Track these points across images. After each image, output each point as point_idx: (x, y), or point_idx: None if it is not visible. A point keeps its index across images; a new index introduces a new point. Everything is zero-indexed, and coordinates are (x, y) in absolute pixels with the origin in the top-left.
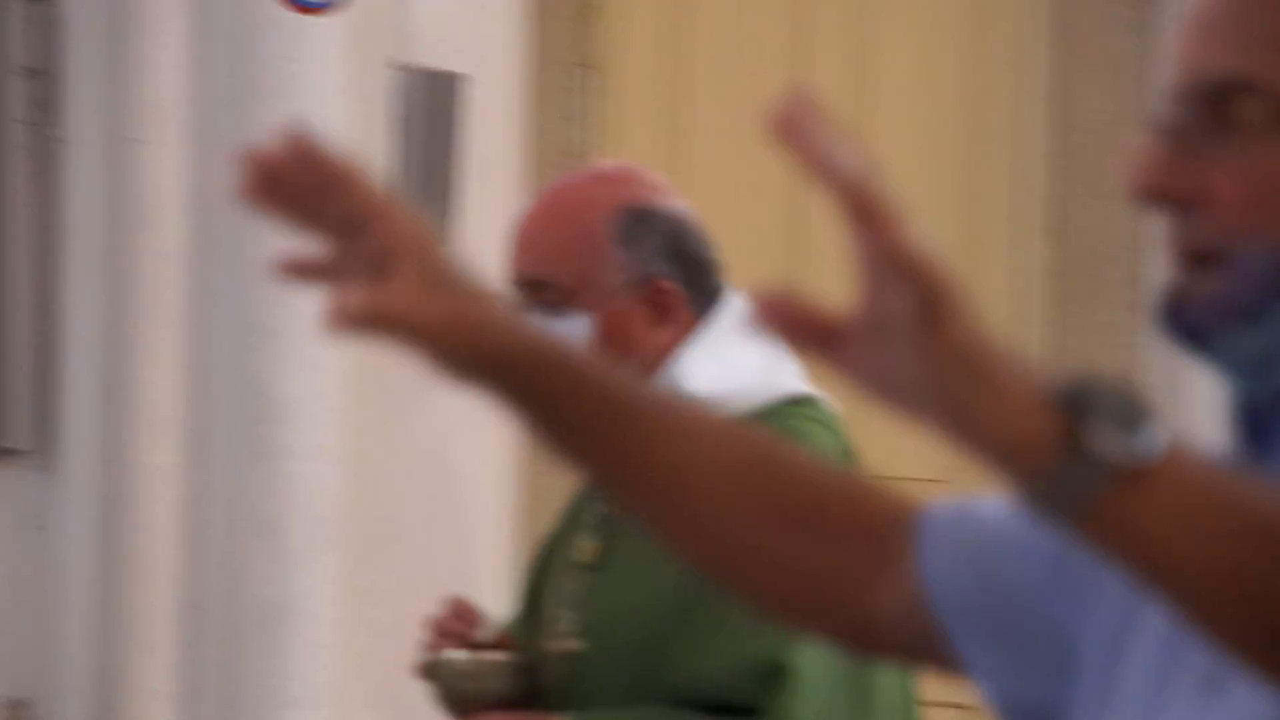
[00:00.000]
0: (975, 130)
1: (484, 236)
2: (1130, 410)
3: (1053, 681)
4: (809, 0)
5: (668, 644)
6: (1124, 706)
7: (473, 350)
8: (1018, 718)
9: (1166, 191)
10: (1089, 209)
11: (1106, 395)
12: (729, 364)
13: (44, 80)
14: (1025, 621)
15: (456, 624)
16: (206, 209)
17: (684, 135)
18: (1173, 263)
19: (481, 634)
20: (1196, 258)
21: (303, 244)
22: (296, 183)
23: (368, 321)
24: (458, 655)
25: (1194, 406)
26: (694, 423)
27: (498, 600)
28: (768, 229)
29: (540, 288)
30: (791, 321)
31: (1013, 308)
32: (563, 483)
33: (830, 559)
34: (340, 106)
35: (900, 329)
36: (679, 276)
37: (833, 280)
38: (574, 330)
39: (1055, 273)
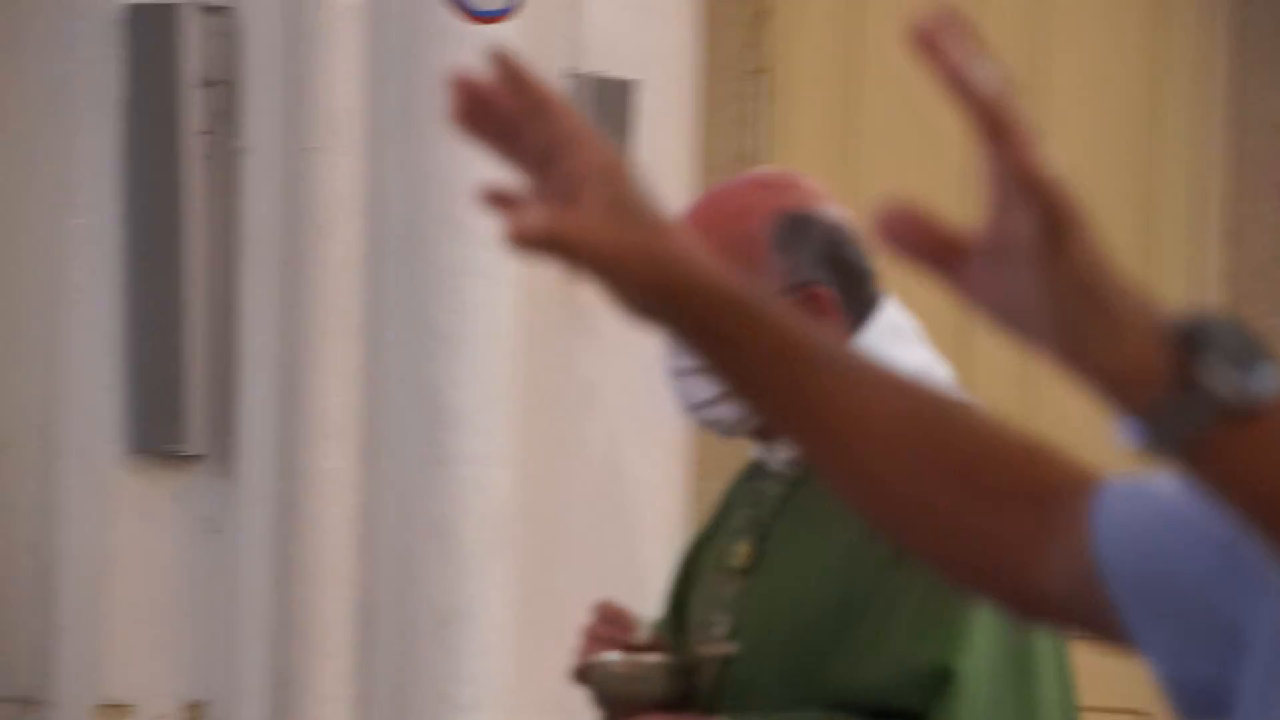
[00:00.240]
0: (1152, 133)
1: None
2: (1246, 349)
3: (1222, 664)
4: (981, 1)
5: (826, 648)
6: None
7: (650, 280)
8: (1186, 696)
9: None
10: (1266, 212)
11: (1223, 333)
12: None
13: (223, 91)
14: (1196, 604)
15: (610, 628)
16: (382, 217)
17: (854, 141)
18: None
19: (635, 637)
20: None
21: (506, 176)
22: (501, 105)
23: (545, 243)
24: (613, 658)
25: None
26: (871, 373)
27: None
28: None
29: None
30: (912, 238)
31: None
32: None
33: (999, 521)
34: None
35: (1022, 251)
36: (835, 283)
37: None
38: None
39: (1231, 276)
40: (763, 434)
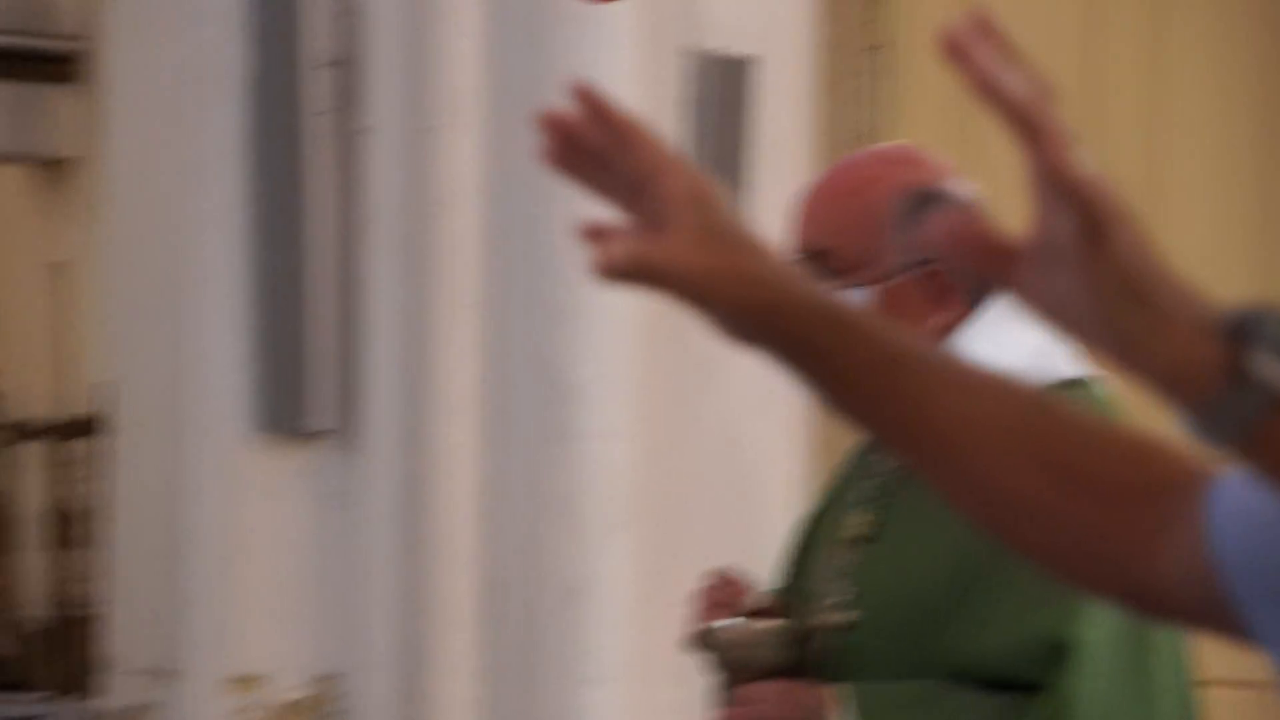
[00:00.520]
0: (1274, 139)
1: (774, 222)
2: None
3: None
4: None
5: (944, 619)
6: None
7: (741, 302)
8: None
9: None
10: None
11: (1271, 324)
12: (1005, 347)
13: (346, 71)
14: None
15: (724, 593)
16: (503, 194)
17: (974, 116)
18: None
19: (750, 602)
20: None
21: (602, 210)
22: (589, 140)
23: (632, 271)
24: (729, 623)
25: None
26: (971, 378)
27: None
28: None
29: (821, 259)
30: (973, 246)
31: None
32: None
33: (1110, 517)
34: (632, 93)
35: (1066, 252)
36: None
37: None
38: (855, 302)
39: None
40: None
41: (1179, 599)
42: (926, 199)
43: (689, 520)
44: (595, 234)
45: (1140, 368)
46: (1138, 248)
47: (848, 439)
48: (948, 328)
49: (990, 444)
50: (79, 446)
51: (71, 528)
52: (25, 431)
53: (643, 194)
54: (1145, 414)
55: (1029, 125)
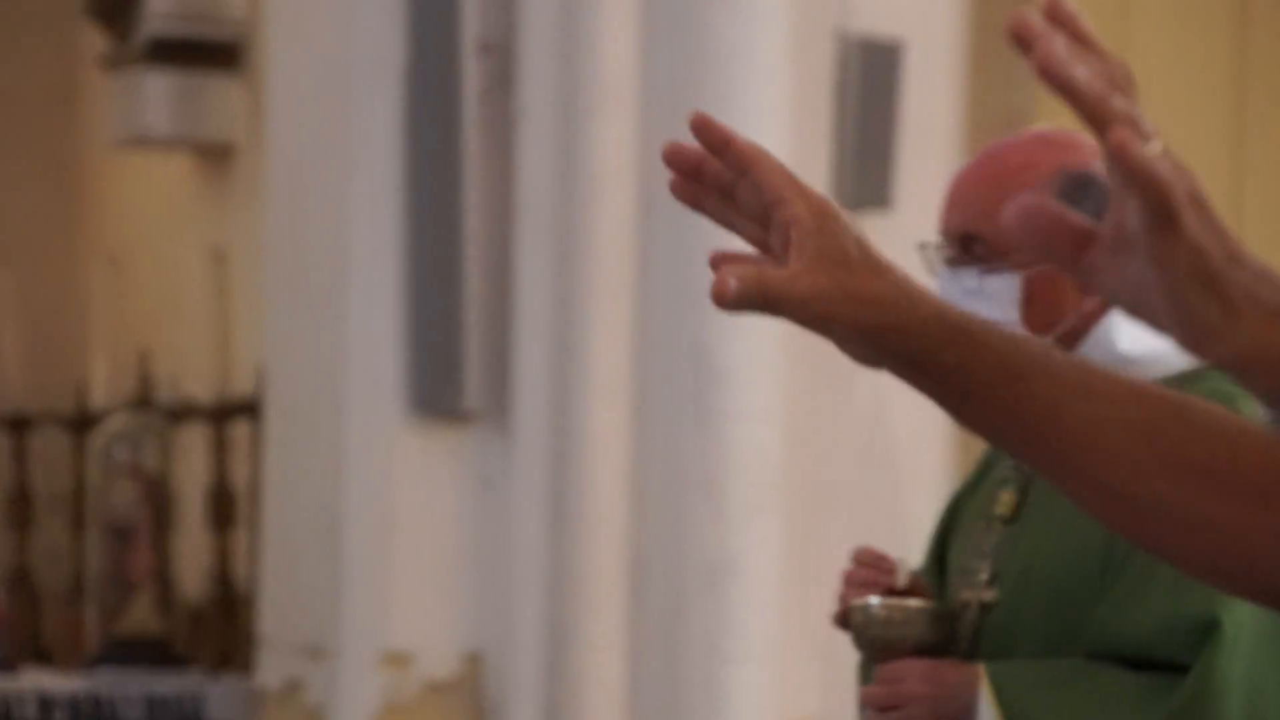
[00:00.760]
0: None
1: (924, 205)
2: None
3: None
4: None
5: (1089, 598)
6: None
7: (861, 322)
8: None
9: None
10: None
11: None
12: (1149, 331)
13: (501, 56)
14: None
15: (869, 572)
16: (654, 178)
17: None
18: None
19: (895, 580)
20: None
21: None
22: (713, 173)
23: (751, 298)
24: (875, 601)
25: None
26: (1098, 383)
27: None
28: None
29: (972, 243)
30: (1045, 234)
31: None
32: None
33: (1247, 518)
34: (784, 77)
35: (1138, 238)
36: None
37: (1269, 248)
38: (1003, 288)
39: None
40: None
41: None
42: (1081, 183)
43: (834, 502)
44: (719, 261)
45: (1214, 354)
46: (1209, 233)
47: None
48: (1099, 312)
49: (1124, 449)
50: (239, 428)
51: (230, 508)
52: (186, 413)
53: (768, 222)
54: None
55: (1098, 115)
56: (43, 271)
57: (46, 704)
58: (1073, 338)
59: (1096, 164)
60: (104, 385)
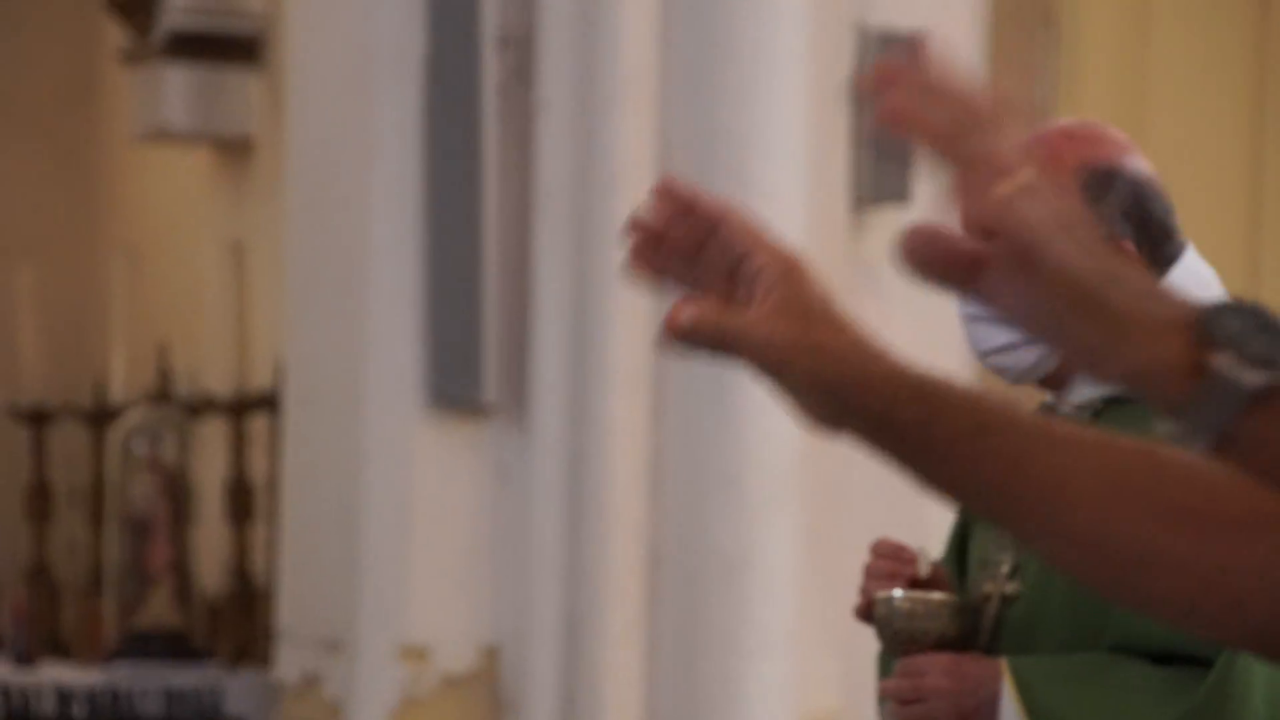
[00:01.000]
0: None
1: (942, 200)
2: (1261, 331)
3: None
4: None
5: None
6: None
7: (818, 374)
8: None
9: None
10: None
11: (1233, 321)
12: None
13: (520, 49)
14: None
15: (890, 563)
16: (674, 171)
17: (1143, 93)
18: None
19: (918, 569)
20: None
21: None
22: (677, 237)
23: (705, 335)
24: (898, 594)
25: None
26: (1064, 434)
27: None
28: (1227, 188)
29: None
30: (935, 257)
31: None
32: None
33: (1231, 552)
34: (802, 70)
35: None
36: (1139, 239)
37: None
38: None
39: None
40: (1053, 381)
41: None
42: (1106, 177)
43: (852, 495)
44: (679, 302)
45: (1106, 374)
46: (1085, 256)
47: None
48: None
49: (1094, 496)
50: (257, 422)
51: (249, 501)
52: (205, 407)
53: (736, 278)
54: None
55: (950, 158)
56: (62, 265)
57: (65, 697)
58: None
59: (1122, 158)
60: (123, 379)
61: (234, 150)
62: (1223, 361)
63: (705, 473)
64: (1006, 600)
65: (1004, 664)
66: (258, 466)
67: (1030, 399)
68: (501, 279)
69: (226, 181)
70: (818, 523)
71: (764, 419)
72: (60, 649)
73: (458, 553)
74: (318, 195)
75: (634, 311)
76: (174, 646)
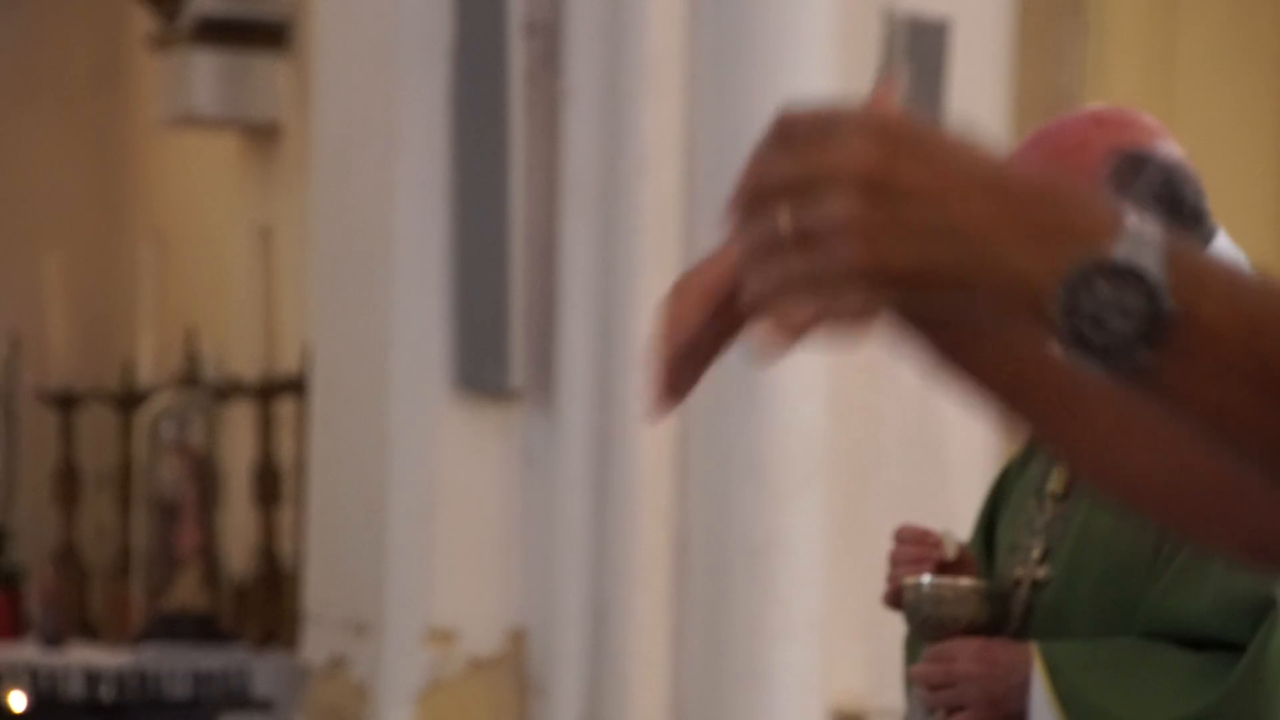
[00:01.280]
0: None
1: None
2: (1131, 289)
3: None
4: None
5: (1142, 576)
6: None
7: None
8: None
9: None
10: None
11: (1098, 288)
12: None
13: (547, 36)
14: None
15: (915, 549)
16: (698, 158)
17: (1171, 79)
18: None
19: (944, 552)
20: None
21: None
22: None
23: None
24: (926, 580)
25: None
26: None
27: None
28: (1256, 174)
29: None
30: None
31: None
32: None
33: None
34: (831, 57)
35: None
36: (1170, 223)
37: None
38: None
39: None
40: None
41: None
42: (1135, 162)
43: (879, 478)
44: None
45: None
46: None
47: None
48: None
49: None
50: (284, 405)
51: (276, 485)
52: (233, 391)
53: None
54: None
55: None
56: (90, 250)
57: (93, 679)
58: None
59: (1152, 143)
60: (151, 363)
61: (261, 136)
62: (1093, 332)
63: (731, 457)
64: (1037, 585)
65: (1034, 649)
66: (285, 450)
67: None
68: (528, 264)
69: (254, 167)
70: (844, 507)
71: (790, 404)
72: (88, 631)
73: (484, 536)
74: (344, 181)
75: (660, 296)
76: (201, 629)
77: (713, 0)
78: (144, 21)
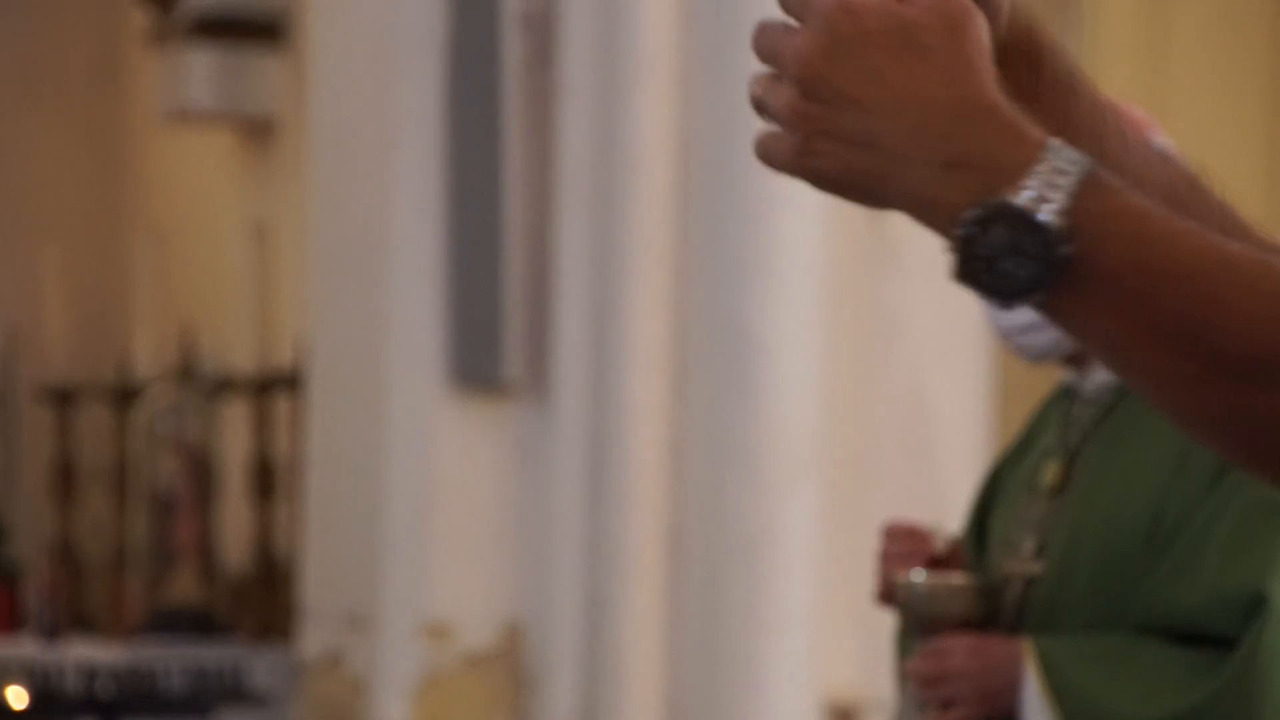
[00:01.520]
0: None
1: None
2: (1028, 235)
3: None
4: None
5: (1135, 571)
6: None
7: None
8: None
9: None
10: None
11: (994, 233)
12: None
13: (541, 29)
14: None
15: (907, 544)
16: (692, 152)
17: (1163, 73)
18: None
19: (934, 547)
20: None
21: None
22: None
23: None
24: (919, 577)
25: None
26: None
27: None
28: (1247, 167)
29: None
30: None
31: None
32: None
33: None
34: None
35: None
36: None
37: None
38: None
39: None
40: (1075, 360)
41: None
42: None
43: (872, 472)
44: None
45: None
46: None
47: (1033, 394)
48: None
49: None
50: (280, 400)
51: (272, 479)
52: (229, 386)
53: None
54: None
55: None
56: (87, 245)
57: (90, 674)
58: None
59: (1147, 135)
60: (147, 358)
61: (257, 131)
62: (1004, 274)
63: (726, 450)
64: (1030, 581)
65: (1027, 645)
66: (281, 445)
67: (1050, 378)
68: (523, 258)
69: (250, 162)
70: (837, 500)
71: (783, 397)
72: (85, 626)
73: (479, 530)
74: (340, 175)
75: (655, 290)
76: (198, 624)
77: None
78: (140, 17)
